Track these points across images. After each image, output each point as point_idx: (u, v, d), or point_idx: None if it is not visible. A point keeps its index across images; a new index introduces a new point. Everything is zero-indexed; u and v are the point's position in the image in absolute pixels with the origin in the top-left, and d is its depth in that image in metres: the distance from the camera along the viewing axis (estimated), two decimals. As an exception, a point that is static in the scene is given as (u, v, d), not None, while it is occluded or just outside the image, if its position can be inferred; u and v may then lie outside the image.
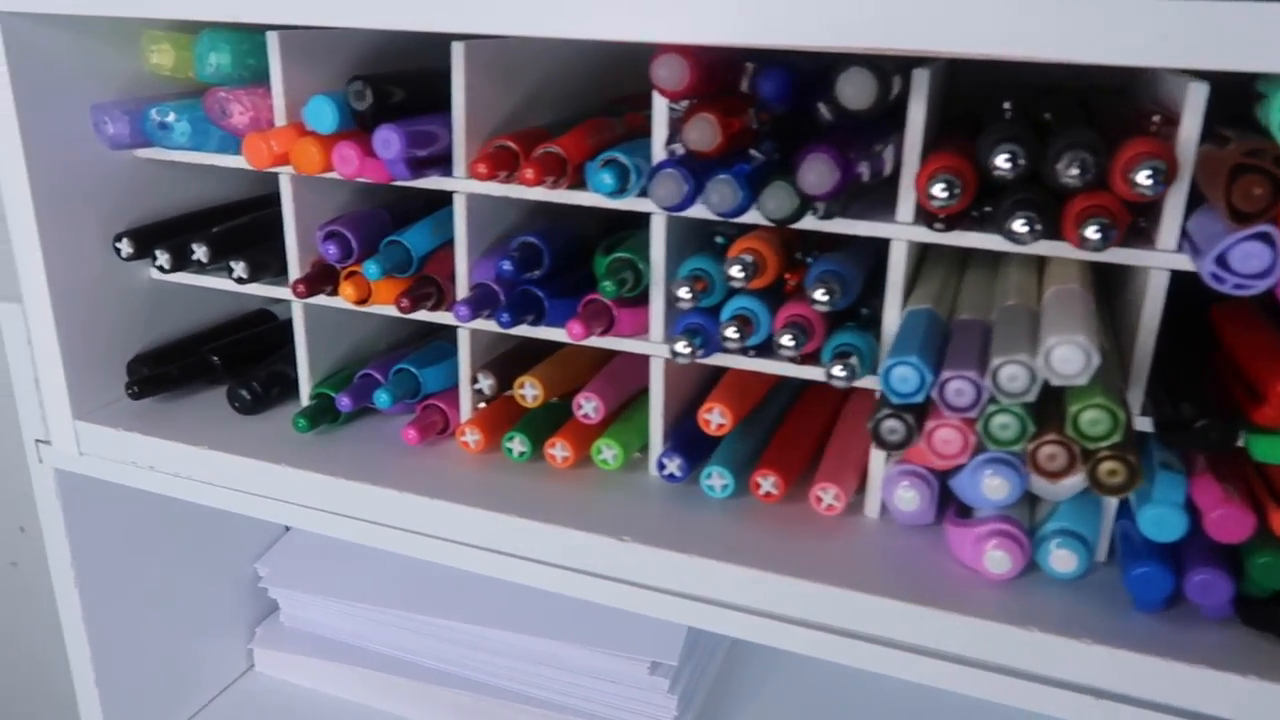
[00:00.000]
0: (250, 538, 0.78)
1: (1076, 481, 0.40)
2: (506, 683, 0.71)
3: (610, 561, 0.46)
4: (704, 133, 0.41)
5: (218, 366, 0.60)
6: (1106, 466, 0.36)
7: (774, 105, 0.41)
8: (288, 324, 0.64)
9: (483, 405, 0.54)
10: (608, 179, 0.44)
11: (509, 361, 0.54)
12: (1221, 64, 0.33)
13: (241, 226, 0.57)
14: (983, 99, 0.46)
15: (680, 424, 0.51)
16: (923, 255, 0.49)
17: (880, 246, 0.47)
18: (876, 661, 0.43)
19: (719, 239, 0.47)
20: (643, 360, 0.52)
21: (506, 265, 0.48)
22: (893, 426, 0.39)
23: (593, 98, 0.59)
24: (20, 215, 0.52)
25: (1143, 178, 0.36)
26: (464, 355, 0.53)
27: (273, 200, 0.62)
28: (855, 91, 0.37)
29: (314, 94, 0.51)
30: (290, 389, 0.58)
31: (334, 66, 0.54)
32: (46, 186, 0.52)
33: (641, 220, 0.52)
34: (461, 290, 0.51)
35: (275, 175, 0.52)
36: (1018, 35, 0.34)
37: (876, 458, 0.47)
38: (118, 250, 0.56)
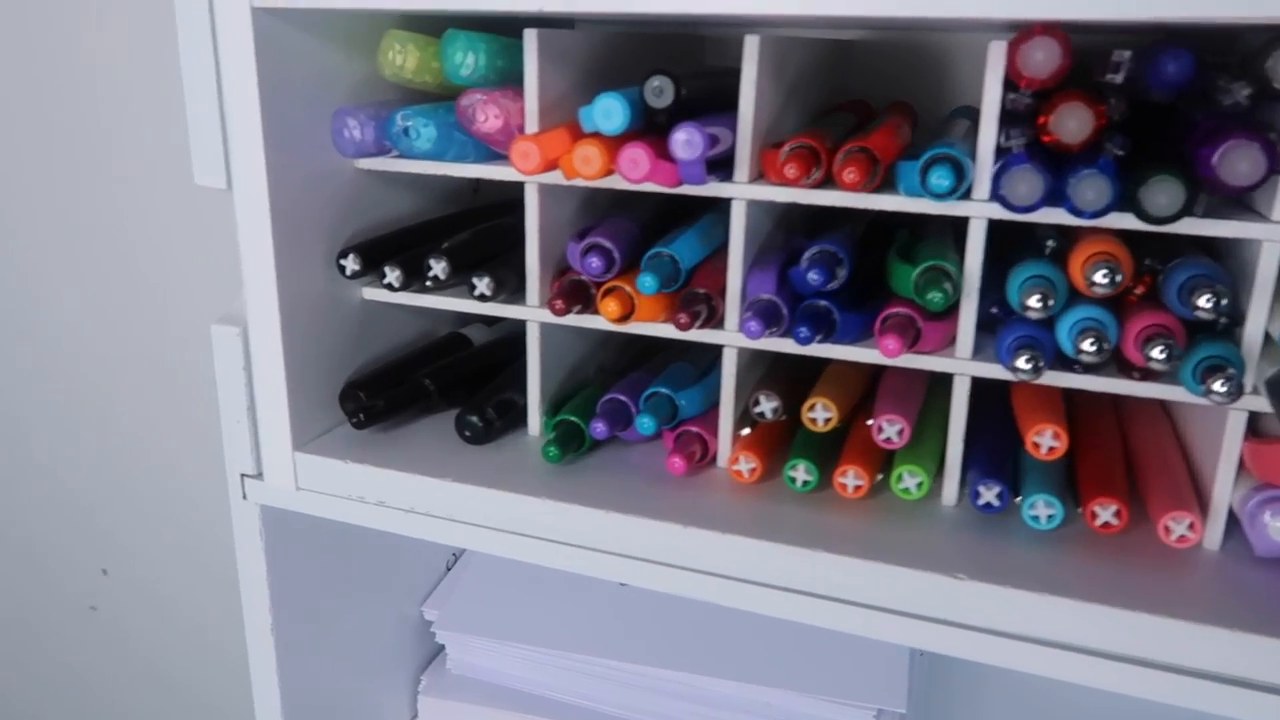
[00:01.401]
0: (413, 577, 0.73)
1: None
2: (706, 733, 0.66)
3: (941, 602, 0.42)
4: (1081, 122, 0.37)
5: (434, 393, 0.55)
6: None
7: (1167, 91, 0.37)
8: (488, 347, 0.61)
9: (746, 431, 0.50)
10: (941, 179, 0.40)
11: (776, 382, 0.49)
12: None
13: (469, 241, 0.53)
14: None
15: (974, 448, 0.47)
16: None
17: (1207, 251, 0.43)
18: (1242, 707, 0.39)
19: (1050, 243, 0.43)
20: (915, 376, 0.48)
21: (815, 275, 0.43)
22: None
23: (817, 105, 0.56)
24: (255, 229, 0.48)
25: None
26: (730, 376, 0.49)
27: (482, 214, 0.59)
28: (1296, 69, 0.33)
29: (562, 97, 0.48)
30: (518, 417, 0.54)
31: (582, 68, 0.50)
32: (281, 198, 0.48)
33: (919, 225, 0.49)
34: (733, 305, 0.47)
35: (475, 188, 0.48)
36: None
37: (1224, 484, 0.43)
38: (341, 267, 0.52)
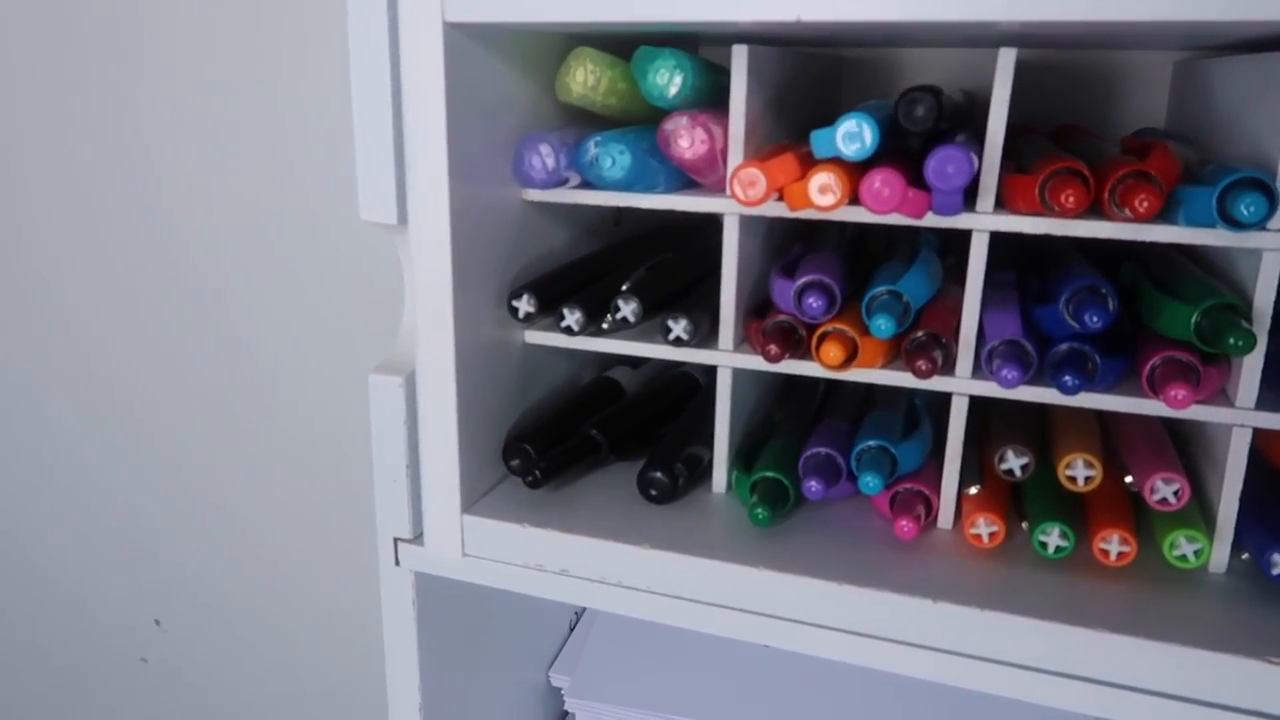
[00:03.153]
0: (539, 641, 0.68)
1: None
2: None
3: (1255, 690, 0.37)
4: None
5: (603, 446, 0.50)
6: None
7: None
8: (646, 396, 0.56)
9: (975, 489, 0.45)
10: (1253, 208, 0.35)
11: (1012, 434, 0.44)
12: None
13: (647, 280, 0.48)
14: None
15: (1256, 509, 0.42)
16: None
17: None
18: None
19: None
20: (1157, 427, 0.44)
21: (1093, 317, 0.38)
22: None
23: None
24: (433, 269, 0.43)
25: None
26: (958, 428, 0.44)
27: (636, 249, 0.54)
28: None
29: (760, 118, 0.43)
30: (702, 473, 0.49)
31: (777, 89, 0.46)
32: (461, 234, 0.43)
33: (1146, 256, 0.44)
34: (965, 348, 0.42)
35: (617, 220, 0.43)
36: None
37: None
38: (514, 310, 0.47)
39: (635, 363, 0.58)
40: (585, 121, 0.48)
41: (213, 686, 1.14)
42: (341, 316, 0.85)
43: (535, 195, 0.47)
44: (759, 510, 0.44)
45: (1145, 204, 0.36)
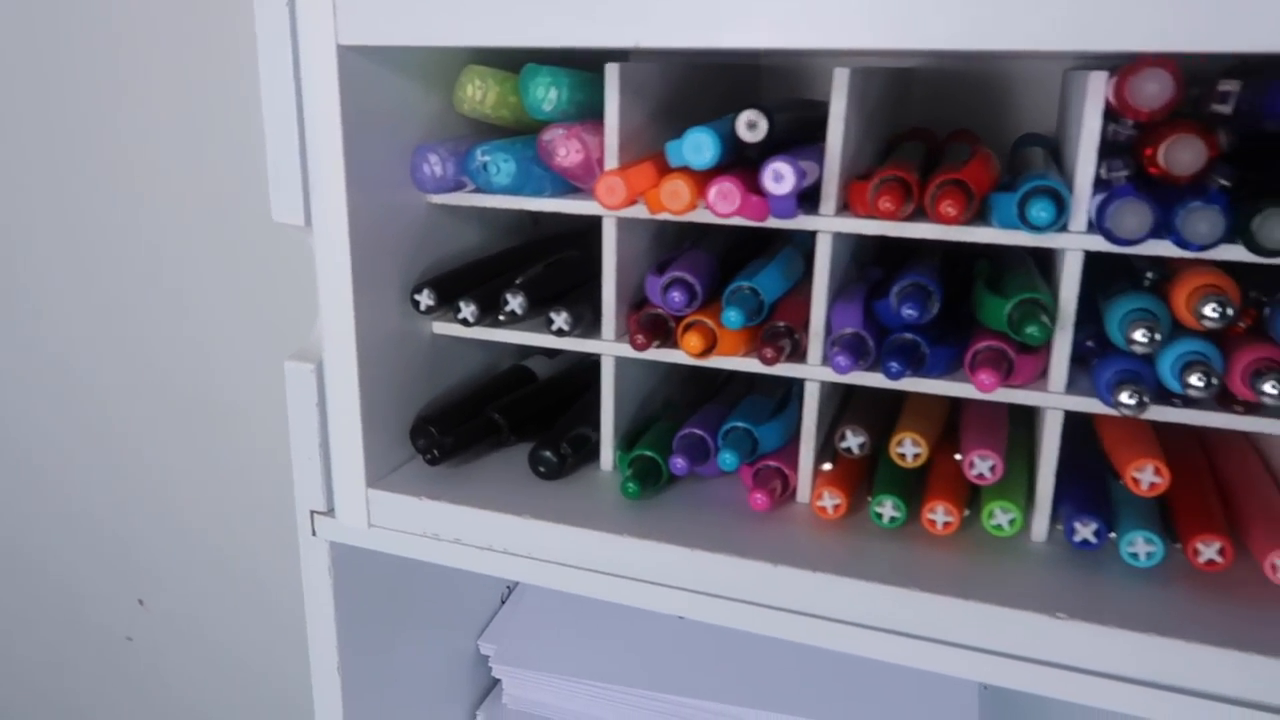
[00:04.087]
0: (469, 611, 0.72)
1: None
2: (771, 771, 0.65)
3: (1042, 642, 0.41)
4: (1196, 155, 0.37)
5: (504, 428, 0.55)
6: None
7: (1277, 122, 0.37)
8: (554, 381, 0.60)
9: (828, 465, 0.49)
10: (1042, 212, 0.40)
11: (858, 416, 0.49)
12: None
13: (542, 276, 0.53)
14: None
15: (1065, 483, 0.46)
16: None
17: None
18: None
19: (1149, 275, 0.43)
20: (997, 409, 0.48)
21: (910, 310, 0.43)
22: None
23: (884, 133, 0.55)
24: (334, 265, 0.48)
25: None
26: (812, 411, 0.48)
27: (545, 247, 0.59)
28: None
29: (640, 130, 0.48)
30: (590, 451, 0.54)
31: (658, 101, 0.50)
32: (360, 234, 0.48)
33: (1000, 256, 0.48)
34: (815, 339, 0.47)
35: (535, 220, 0.48)
36: None
37: (1328, 518, 0.42)
38: (415, 303, 0.51)
39: (551, 352, 0.63)
40: (488, 131, 0.53)
41: (196, 663, 1.19)
42: (287, 308, 0.91)
43: (439, 199, 0.52)
44: (629, 484, 0.49)
45: (951, 209, 0.41)
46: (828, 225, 0.45)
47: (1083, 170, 0.41)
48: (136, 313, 1.00)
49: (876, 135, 0.53)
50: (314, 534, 0.54)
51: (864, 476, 0.50)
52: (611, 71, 0.46)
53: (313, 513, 0.53)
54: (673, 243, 0.55)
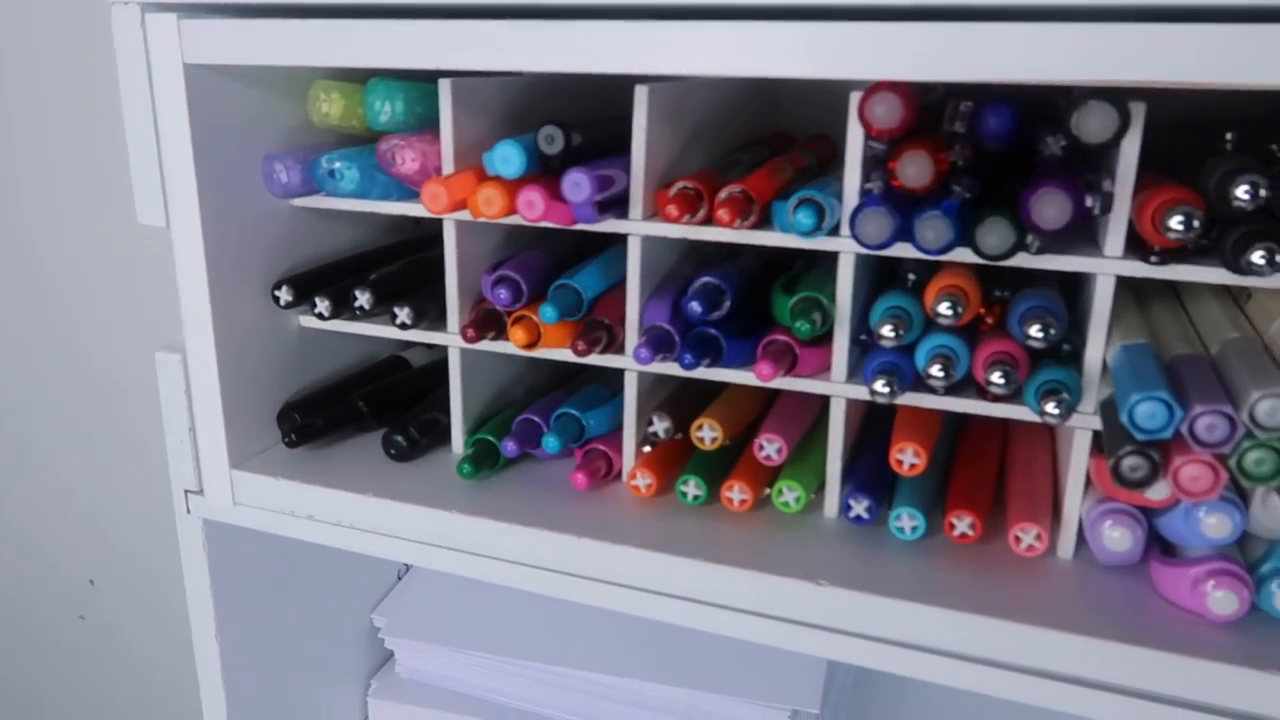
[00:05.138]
0: (366, 586, 0.77)
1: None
2: (638, 735, 0.70)
3: (804, 606, 0.46)
4: (920, 169, 0.41)
5: (366, 413, 0.59)
6: (1373, 501, 0.35)
7: (993, 141, 0.41)
8: (424, 370, 0.65)
9: (648, 449, 0.54)
10: (805, 218, 0.44)
11: (676, 403, 0.53)
12: None
13: (397, 273, 0.57)
14: (1178, 127, 0.46)
15: (857, 464, 0.51)
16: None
17: (1065, 281, 0.47)
18: (1093, 708, 0.42)
19: (911, 276, 0.47)
20: (809, 399, 0.52)
21: (696, 307, 0.47)
22: (1135, 464, 0.38)
23: (734, 139, 0.59)
24: (189, 264, 0.52)
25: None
26: (630, 398, 0.53)
27: (418, 246, 0.63)
28: (1098, 125, 0.37)
29: (479, 140, 0.52)
30: (443, 436, 0.58)
31: (497, 113, 0.54)
32: (215, 235, 0.52)
33: (810, 258, 0.52)
34: (631, 332, 0.51)
35: (416, 221, 0.52)
36: (1238, 65, 0.34)
37: (1073, 497, 0.46)
38: (276, 298, 0.56)
39: (432, 344, 0.67)
40: (348, 138, 0.57)
41: (147, 640, 1.23)
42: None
43: (300, 202, 0.56)
44: (464, 465, 0.53)
45: (725, 216, 0.45)
46: (635, 229, 0.49)
47: (849, 181, 0.45)
48: (35, 312, 1.05)
49: (714, 142, 0.57)
50: (188, 511, 0.58)
51: (686, 461, 0.54)
52: (444, 86, 0.51)
53: (186, 492, 0.58)
54: (526, 243, 0.60)
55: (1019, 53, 0.37)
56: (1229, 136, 0.42)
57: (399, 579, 0.80)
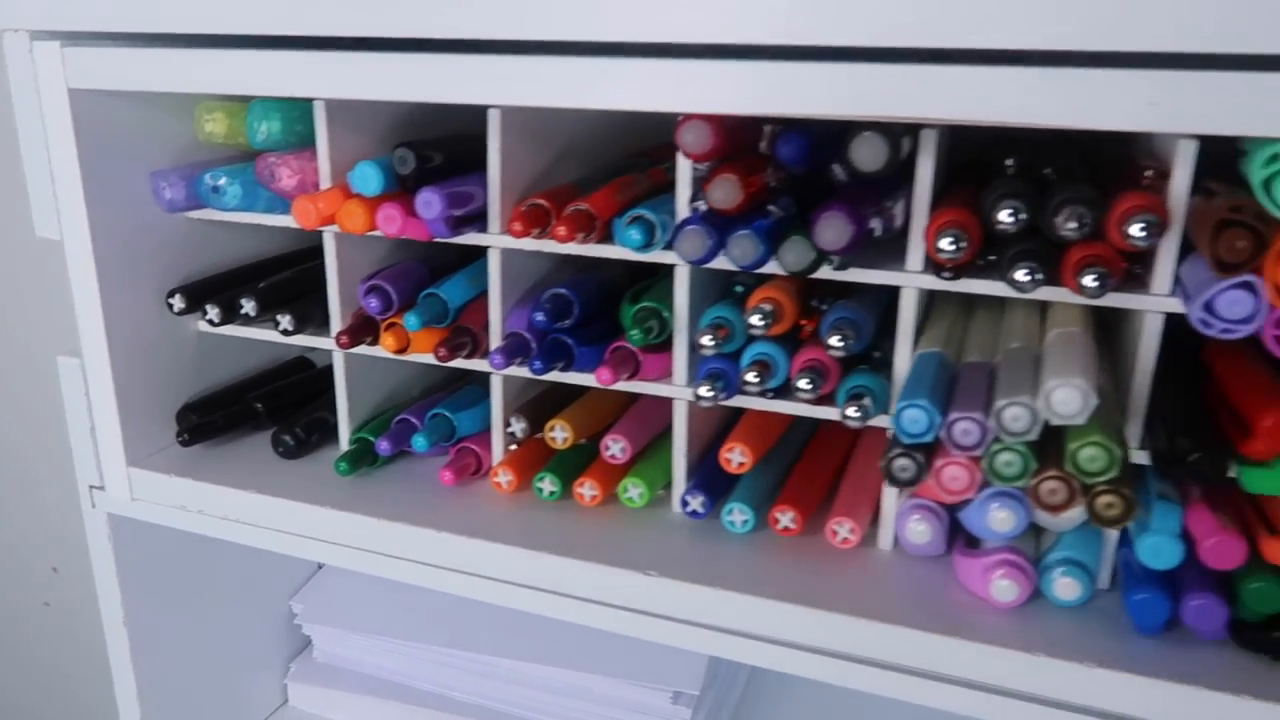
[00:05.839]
0: (286, 575, 0.80)
1: (1078, 513, 0.42)
2: (536, 715, 0.74)
3: (635, 595, 0.49)
4: (727, 192, 0.44)
5: (262, 413, 0.63)
6: (1104, 500, 0.39)
7: (792, 166, 0.45)
8: (326, 371, 0.68)
9: (514, 447, 0.57)
10: (635, 235, 0.48)
11: (539, 405, 0.57)
12: (1207, 129, 0.36)
13: (286, 281, 0.61)
14: (992, 146, 0.49)
15: (703, 463, 0.54)
16: (932, 299, 0.52)
17: (892, 292, 0.50)
18: (890, 687, 0.46)
19: (739, 288, 0.50)
20: (666, 402, 0.55)
21: (539, 316, 0.51)
22: (904, 465, 0.42)
23: (618, 151, 0.63)
24: (81, 275, 0.56)
25: (1135, 230, 0.39)
26: (496, 400, 0.56)
27: (316, 254, 0.66)
28: (868, 155, 0.40)
29: (358, 157, 0.55)
30: (331, 434, 0.62)
31: (376, 131, 0.57)
32: (106, 247, 0.56)
33: (665, 270, 0.56)
34: (495, 339, 0.54)
35: (319, 231, 0.55)
36: (1014, 107, 0.38)
37: (889, 493, 0.50)
38: (170, 305, 0.59)
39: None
40: (243, 155, 0.60)
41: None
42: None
43: (189, 215, 0.59)
44: (340, 463, 0.57)
45: (561, 232, 0.49)
46: (493, 242, 0.53)
47: (679, 200, 0.48)
48: None
49: (599, 153, 0.60)
50: (93, 506, 0.62)
51: (548, 459, 0.58)
52: (319, 107, 0.54)
53: (90, 487, 0.62)
54: (410, 254, 0.63)
55: (812, 90, 0.40)
56: (1009, 162, 0.45)
57: (319, 567, 0.84)
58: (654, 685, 0.69)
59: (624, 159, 0.63)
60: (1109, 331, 0.50)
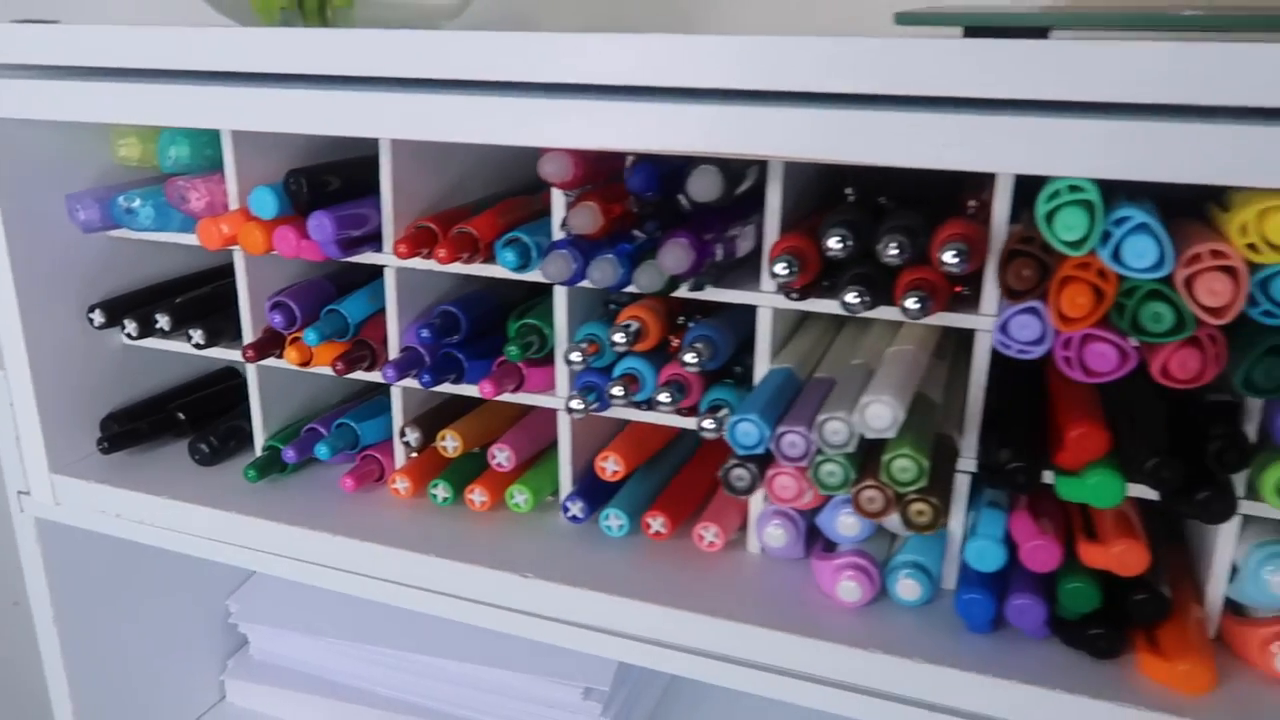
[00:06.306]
0: (224, 575, 0.83)
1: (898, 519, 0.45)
2: (457, 710, 0.77)
3: (513, 595, 0.52)
4: (585, 218, 0.47)
5: (184, 422, 0.66)
6: (915, 507, 0.42)
7: (645, 195, 0.47)
8: (241, 382, 0.71)
9: (415, 455, 0.60)
10: (510, 256, 0.51)
11: (436, 416, 0.60)
12: (996, 168, 0.39)
13: (203, 296, 0.64)
14: (858, 176, 0.52)
15: (587, 471, 0.57)
16: (805, 318, 0.55)
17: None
18: (745, 683, 0.49)
19: (613, 306, 0.53)
20: (553, 414, 0.58)
21: (425, 332, 0.54)
22: (739, 474, 0.45)
23: (519, 175, 0.65)
24: (2, 292, 0.59)
25: (949, 257, 0.42)
26: (397, 410, 0.59)
27: (232, 271, 0.69)
28: (703, 187, 0.43)
29: (265, 181, 0.58)
30: (248, 442, 0.64)
31: (281, 156, 0.60)
32: (26, 266, 0.59)
33: (550, 289, 0.59)
34: (393, 353, 0.57)
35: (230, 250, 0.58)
36: (833, 146, 0.41)
37: (755, 500, 0.53)
38: (91, 320, 0.62)
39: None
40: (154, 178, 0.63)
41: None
42: None
43: (109, 235, 0.62)
44: (248, 470, 0.60)
45: (442, 254, 0.52)
46: (387, 261, 0.56)
47: (554, 224, 0.51)
48: None
49: (506, 175, 0.63)
50: (21, 510, 0.65)
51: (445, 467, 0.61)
52: (225, 134, 0.57)
53: (19, 493, 0.65)
54: (321, 271, 0.66)
55: (653, 127, 0.43)
56: (848, 191, 0.48)
57: (257, 569, 0.87)
58: (566, 682, 0.72)
59: (526, 182, 0.66)
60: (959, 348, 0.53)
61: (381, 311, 0.59)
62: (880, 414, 0.41)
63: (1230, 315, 0.37)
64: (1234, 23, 0.41)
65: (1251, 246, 0.36)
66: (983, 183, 0.48)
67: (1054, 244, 0.38)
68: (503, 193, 0.61)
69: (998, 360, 0.45)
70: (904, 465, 0.41)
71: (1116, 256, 0.37)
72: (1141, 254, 0.37)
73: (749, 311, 0.53)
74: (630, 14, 0.80)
